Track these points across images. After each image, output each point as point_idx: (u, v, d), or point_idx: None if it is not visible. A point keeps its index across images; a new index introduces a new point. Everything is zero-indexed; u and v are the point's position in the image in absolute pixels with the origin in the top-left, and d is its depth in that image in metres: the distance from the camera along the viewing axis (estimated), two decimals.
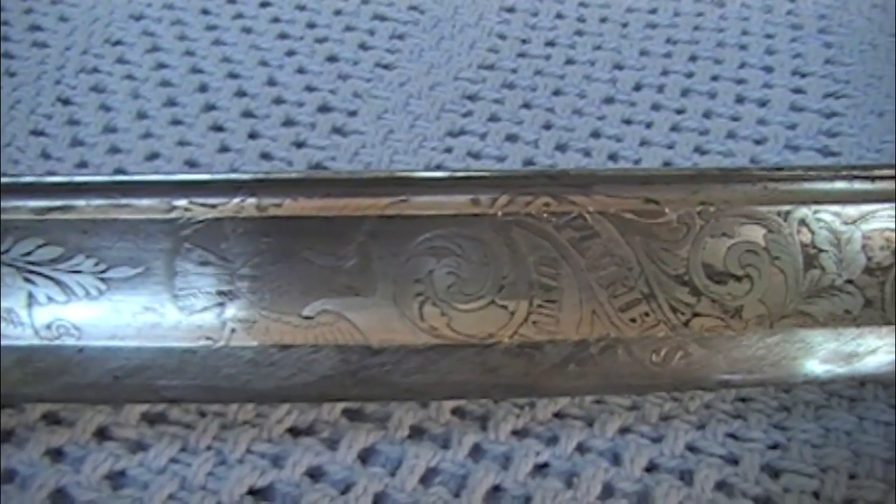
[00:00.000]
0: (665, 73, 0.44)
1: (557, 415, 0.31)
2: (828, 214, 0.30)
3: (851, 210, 0.30)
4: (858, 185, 0.30)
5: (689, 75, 0.43)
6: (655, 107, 0.42)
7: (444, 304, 0.28)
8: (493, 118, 0.42)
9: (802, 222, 0.29)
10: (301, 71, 0.44)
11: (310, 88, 0.43)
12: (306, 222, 0.28)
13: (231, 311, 0.28)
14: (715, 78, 0.43)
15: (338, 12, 0.47)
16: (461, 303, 0.28)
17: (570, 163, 0.39)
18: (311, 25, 0.46)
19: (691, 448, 0.31)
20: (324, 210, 0.28)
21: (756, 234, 0.29)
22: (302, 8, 0.47)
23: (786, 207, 0.29)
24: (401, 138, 0.41)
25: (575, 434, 0.31)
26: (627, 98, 0.42)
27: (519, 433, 0.31)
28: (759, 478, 0.30)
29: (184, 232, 0.29)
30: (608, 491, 0.30)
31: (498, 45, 0.45)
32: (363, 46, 0.45)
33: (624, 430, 0.31)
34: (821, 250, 0.29)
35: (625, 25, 0.46)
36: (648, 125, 0.41)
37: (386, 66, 0.44)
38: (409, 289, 0.28)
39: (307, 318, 0.28)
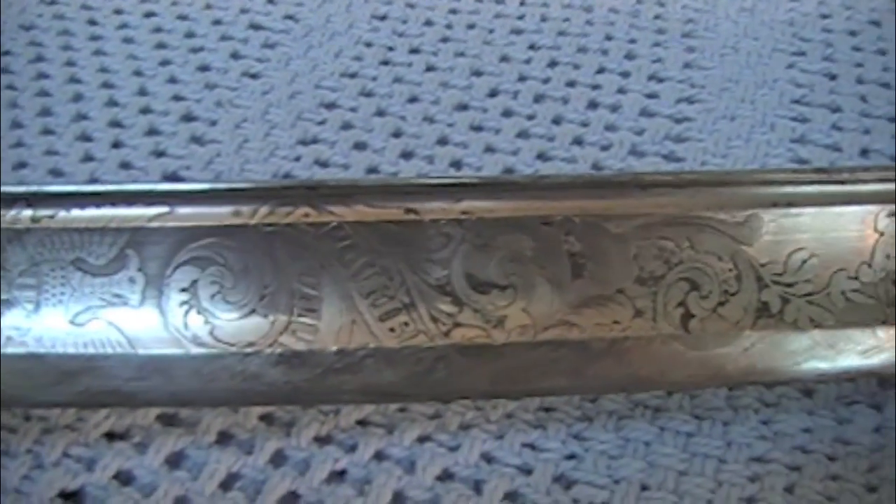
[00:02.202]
0: (522, 78, 0.43)
1: (361, 422, 0.32)
2: (597, 223, 0.29)
3: (623, 219, 0.29)
4: (630, 195, 0.30)
5: (545, 81, 0.43)
6: (507, 113, 0.42)
7: (207, 313, 0.29)
8: (346, 126, 0.42)
9: (570, 231, 0.29)
10: (172, 80, 0.45)
11: (177, 98, 0.44)
12: (77, 233, 0.29)
13: (7, 318, 0.29)
14: (571, 83, 0.43)
15: (217, 22, 0.48)
16: (224, 312, 0.29)
17: (413, 170, 0.39)
18: (189, 35, 0.47)
19: (487, 457, 0.31)
20: (93, 221, 0.29)
21: (521, 243, 0.29)
22: (184, 18, 0.48)
23: (553, 216, 0.29)
24: (254, 147, 0.41)
25: (374, 441, 0.31)
26: (480, 104, 0.42)
27: (321, 440, 0.31)
28: (550, 488, 0.30)
29: None
30: (398, 499, 0.30)
31: (363, 53, 0.45)
32: (234, 55, 0.46)
33: (423, 439, 0.31)
34: (589, 260, 0.29)
35: (490, 31, 0.45)
36: (497, 131, 0.41)
37: (253, 76, 0.44)
38: (174, 298, 0.29)
39: (78, 325, 0.29)
